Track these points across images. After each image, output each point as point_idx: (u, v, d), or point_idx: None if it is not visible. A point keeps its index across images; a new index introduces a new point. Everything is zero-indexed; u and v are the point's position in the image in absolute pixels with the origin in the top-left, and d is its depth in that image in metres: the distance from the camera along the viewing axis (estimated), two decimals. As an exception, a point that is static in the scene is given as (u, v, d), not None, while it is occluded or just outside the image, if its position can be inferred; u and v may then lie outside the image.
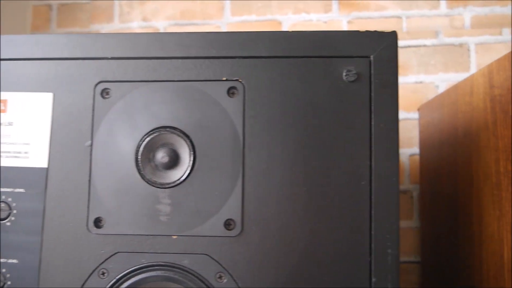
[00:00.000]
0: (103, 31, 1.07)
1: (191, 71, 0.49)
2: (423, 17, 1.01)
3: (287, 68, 0.49)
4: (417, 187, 0.95)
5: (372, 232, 0.47)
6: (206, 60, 0.49)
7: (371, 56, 0.48)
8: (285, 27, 1.03)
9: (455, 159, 0.69)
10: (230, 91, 0.49)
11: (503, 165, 0.54)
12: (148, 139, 0.49)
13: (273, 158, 0.48)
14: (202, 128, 0.48)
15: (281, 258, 0.47)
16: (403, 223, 0.95)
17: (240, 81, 0.49)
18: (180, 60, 0.49)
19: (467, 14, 1.00)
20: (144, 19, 1.06)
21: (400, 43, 1.00)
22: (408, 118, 0.97)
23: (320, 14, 1.03)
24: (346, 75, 0.48)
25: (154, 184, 0.48)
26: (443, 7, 1.01)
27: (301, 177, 0.47)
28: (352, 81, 0.48)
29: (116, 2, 1.07)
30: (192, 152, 0.48)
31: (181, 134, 0.48)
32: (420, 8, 1.01)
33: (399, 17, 1.01)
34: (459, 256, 0.67)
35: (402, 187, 0.96)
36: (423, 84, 0.99)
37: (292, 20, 1.03)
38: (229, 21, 1.04)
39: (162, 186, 0.48)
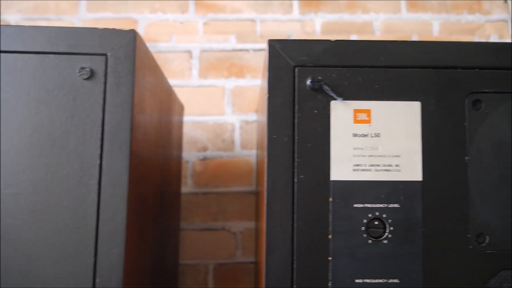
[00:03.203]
0: (-50, 22, 1.02)
1: None
2: (277, 21, 1.03)
3: (21, 63, 0.47)
4: (264, 188, 0.96)
5: (98, 232, 0.46)
6: None
7: (108, 54, 0.48)
8: (141, 26, 1.02)
9: (262, 160, 0.70)
10: (-40, 86, 0.47)
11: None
12: None
13: (0, 154, 0.46)
14: None
15: (4, 258, 0.45)
16: (252, 224, 0.97)
17: (-30, 76, 0.47)
18: None
19: (318, 20, 1.03)
20: (-5, 12, 1.02)
21: (254, 46, 1.02)
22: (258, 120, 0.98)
23: (177, 15, 1.02)
24: (79, 73, 0.47)
25: None
26: (295, 12, 1.03)
27: (28, 174, 0.46)
28: (86, 79, 0.47)
29: (-35, -7, 1.02)
30: None
31: None
32: (274, 13, 1.03)
33: (253, 20, 1.02)
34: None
35: (251, 188, 0.98)
36: (274, 87, 1.00)
37: (148, 19, 1.02)
38: (84, 17, 1.02)
39: None
